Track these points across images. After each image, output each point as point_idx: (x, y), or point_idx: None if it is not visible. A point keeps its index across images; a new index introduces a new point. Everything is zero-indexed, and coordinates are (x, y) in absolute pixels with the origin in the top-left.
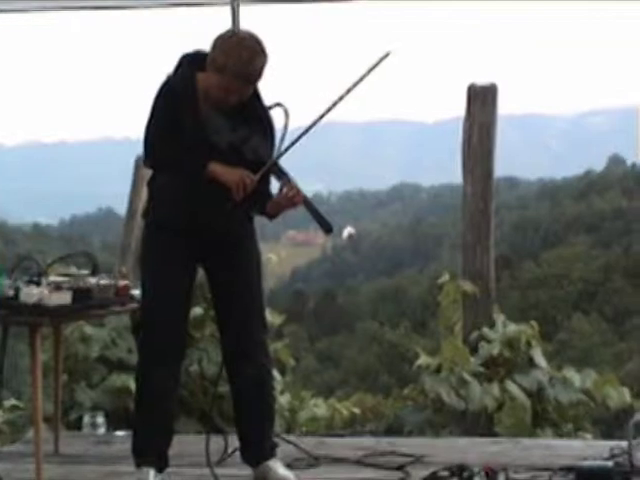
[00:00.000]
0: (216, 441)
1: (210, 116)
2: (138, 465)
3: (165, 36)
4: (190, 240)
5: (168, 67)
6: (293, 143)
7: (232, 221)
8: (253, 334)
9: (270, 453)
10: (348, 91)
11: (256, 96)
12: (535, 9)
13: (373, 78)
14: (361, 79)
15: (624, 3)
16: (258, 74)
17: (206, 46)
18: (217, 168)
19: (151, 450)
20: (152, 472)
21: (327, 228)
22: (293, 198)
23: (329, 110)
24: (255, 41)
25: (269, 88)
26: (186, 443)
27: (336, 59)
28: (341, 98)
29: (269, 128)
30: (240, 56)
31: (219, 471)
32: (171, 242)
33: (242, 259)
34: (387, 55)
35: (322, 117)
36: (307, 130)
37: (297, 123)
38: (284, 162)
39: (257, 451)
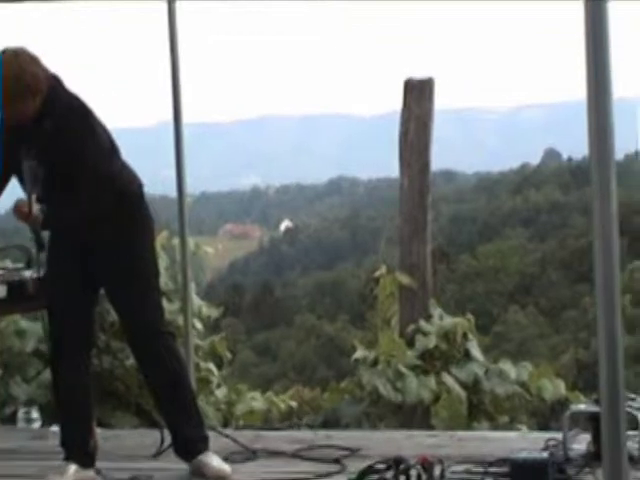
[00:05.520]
0: (153, 434)
1: None
2: (65, 459)
3: (100, 31)
4: (74, 241)
5: (104, 62)
6: None
7: (88, 226)
8: (146, 329)
9: (202, 447)
10: None
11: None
12: (470, 4)
13: (309, 71)
14: None
15: (560, 2)
16: None
17: (139, 40)
18: None
19: (71, 442)
20: (74, 467)
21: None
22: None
23: None
24: None
25: (206, 81)
26: (122, 437)
27: (268, 51)
28: None
29: None
30: None
31: (156, 465)
32: (61, 241)
33: (115, 261)
34: None
35: None
36: None
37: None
38: (224, 156)
39: (188, 445)
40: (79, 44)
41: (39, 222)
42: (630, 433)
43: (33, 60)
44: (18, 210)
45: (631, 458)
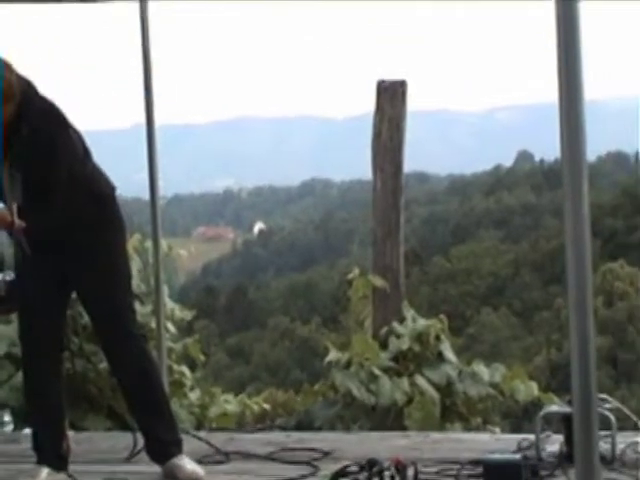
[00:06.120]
0: (126, 437)
1: None
2: (38, 462)
3: (72, 32)
4: (47, 243)
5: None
6: None
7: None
8: (119, 332)
9: (175, 450)
10: None
11: None
12: (444, 6)
13: (284, 73)
14: None
15: (531, 3)
16: None
17: (112, 42)
18: None
19: (44, 446)
20: (46, 470)
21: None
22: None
23: None
24: None
25: (181, 83)
26: (95, 440)
27: (244, 53)
28: None
29: None
30: None
31: (129, 468)
32: (35, 243)
33: (88, 263)
34: None
35: None
36: None
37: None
38: (198, 158)
39: (161, 448)
40: (51, 47)
41: (22, 230)
42: (602, 434)
43: (5, 66)
44: (0, 220)
45: (603, 459)
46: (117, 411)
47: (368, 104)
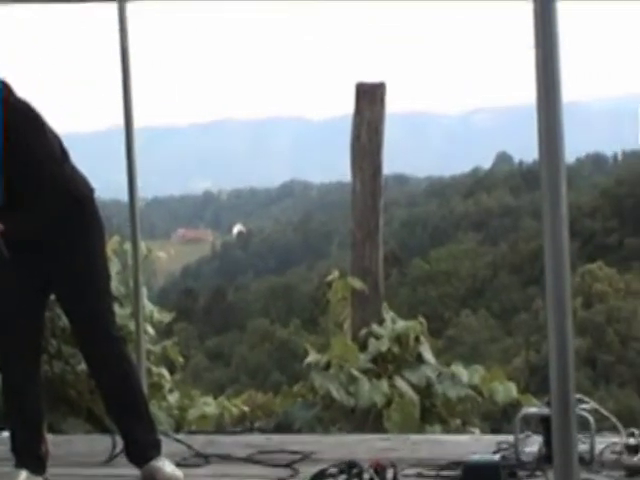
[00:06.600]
0: (105, 440)
1: None
2: (16, 465)
3: (48, 33)
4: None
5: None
6: None
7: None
8: (98, 334)
9: (155, 452)
10: None
11: None
12: (421, 8)
13: (263, 75)
14: None
15: (507, 3)
16: None
17: (91, 43)
18: None
19: (22, 448)
20: (24, 473)
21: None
22: None
23: None
24: None
25: (160, 84)
26: (74, 443)
27: (222, 55)
28: None
29: None
30: None
31: (108, 471)
32: (13, 244)
33: (67, 265)
34: None
35: None
36: None
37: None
38: (177, 160)
39: (140, 451)
40: (26, 47)
41: (2, 232)
42: (581, 435)
43: None
44: None
45: (582, 460)
46: (96, 413)
47: (347, 106)
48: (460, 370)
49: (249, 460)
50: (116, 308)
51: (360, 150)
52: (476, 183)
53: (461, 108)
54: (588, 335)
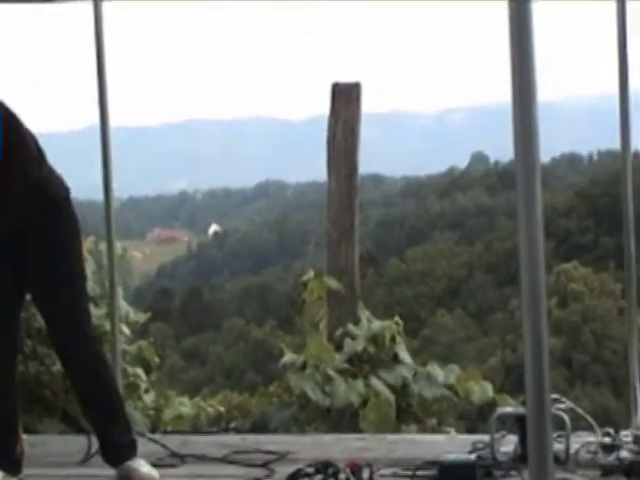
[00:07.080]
0: (81, 440)
1: None
2: None
3: (23, 33)
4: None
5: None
6: None
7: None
8: (73, 334)
9: (130, 452)
10: None
11: None
12: (397, 8)
13: (238, 74)
14: None
15: (482, 3)
16: None
17: (66, 43)
18: None
19: None
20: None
21: None
22: None
23: None
24: None
25: (134, 84)
26: (49, 443)
27: (197, 54)
28: None
29: None
30: None
31: (84, 471)
32: None
33: (42, 265)
34: None
35: None
36: None
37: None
38: (152, 160)
39: (115, 451)
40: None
41: None
42: (556, 434)
43: None
44: None
45: (557, 459)
46: (71, 414)
47: (323, 106)
48: (436, 370)
49: (225, 460)
50: (92, 308)
51: (336, 150)
52: (452, 183)
53: (436, 108)
54: (563, 335)
